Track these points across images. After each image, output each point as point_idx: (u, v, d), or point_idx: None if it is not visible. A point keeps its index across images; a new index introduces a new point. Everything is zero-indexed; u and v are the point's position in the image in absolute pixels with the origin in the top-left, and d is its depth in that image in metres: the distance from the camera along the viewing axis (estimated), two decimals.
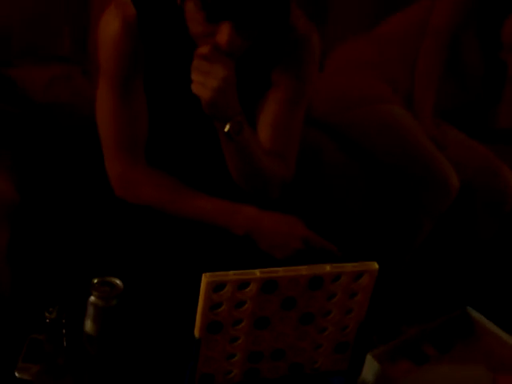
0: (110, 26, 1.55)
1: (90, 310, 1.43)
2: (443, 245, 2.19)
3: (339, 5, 2.55)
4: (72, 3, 2.14)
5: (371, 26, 2.42)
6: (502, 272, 2.25)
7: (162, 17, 1.55)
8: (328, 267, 1.33)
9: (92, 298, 1.42)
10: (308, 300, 1.34)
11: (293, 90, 1.68)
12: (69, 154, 1.77)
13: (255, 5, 1.40)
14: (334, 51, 2.39)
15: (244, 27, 1.43)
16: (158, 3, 1.55)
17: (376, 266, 1.36)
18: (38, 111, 1.87)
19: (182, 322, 1.41)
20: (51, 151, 1.76)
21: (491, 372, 1.52)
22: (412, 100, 2.26)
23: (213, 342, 1.33)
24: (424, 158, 2.09)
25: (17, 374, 1.38)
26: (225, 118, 1.52)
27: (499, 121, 2.42)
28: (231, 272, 1.28)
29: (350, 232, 2.02)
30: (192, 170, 1.71)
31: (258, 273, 1.29)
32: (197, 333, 1.31)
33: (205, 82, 1.47)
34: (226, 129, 1.52)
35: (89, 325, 1.44)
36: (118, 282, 1.44)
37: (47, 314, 1.21)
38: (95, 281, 1.43)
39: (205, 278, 1.26)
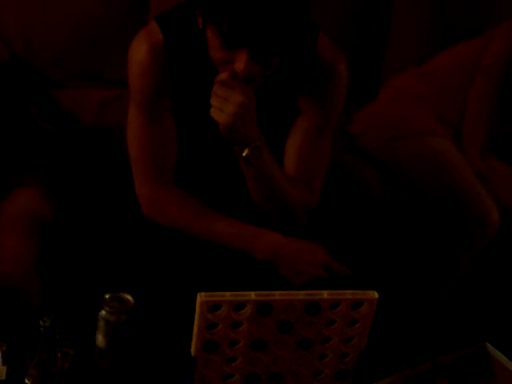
0: (138, 51, 1.61)
1: (101, 325, 1.48)
2: (479, 278, 2.16)
3: (398, 36, 2.56)
4: (124, 28, 2.23)
5: (425, 59, 2.43)
6: None
7: (189, 43, 1.60)
8: (325, 294, 1.34)
9: (103, 313, 1.47)
10: (305, 325, 1.36)
11: (318, 119, 1.70)
12: (104, 175, 1.83)
13: (271, 32, 1.43)
14: (389, 82, 2.40)
15: (260, 54, 1.46)
16: (185, 29, 1.60)
17: (376, 295, 1.36)
18: (81, 132, 1.95)
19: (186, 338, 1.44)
20: (87, 172, 1.83)
21: None
22: (460, 134, 2.25)
23: (209, 360, 1.36)
24: (465, 192, 2.07)
25: (26, 381, 1.43)
26: (243, 142, 1.55)
27: None
28: (227, 293, 1.31)
29: (384, 264, 2.01)
30: (220, 194, 1.76)
31: (253, 295, 1.31)
32: (192, 351, 1.34)
33: (222, 107, 1.51)
34: (244, 153, 1.56)
35: (99, 339, 1.49)
36: (129, 297, 1.49)
37: (41, 323, 1.26)
38: (107, 296, 1.48)
39: (199, 298, 1.29)
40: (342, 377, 1.45)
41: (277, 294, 1.32)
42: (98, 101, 2.20)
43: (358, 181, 2.16)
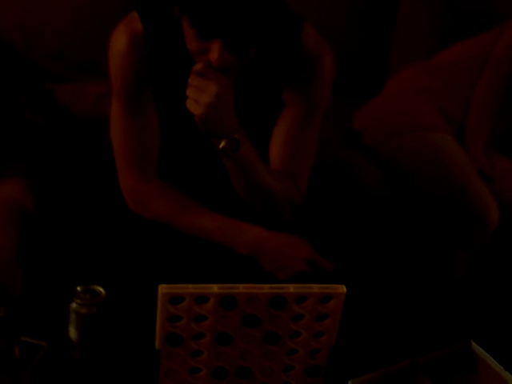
0: (117, 41, 1.60)
1: (72, 317, 1.47)
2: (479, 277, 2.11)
3: (406, 29, 2.52)
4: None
5: (432, 53, 2.38)
6: None
7: (168, 33, 1.58)
8: (291, 287, 1.31)
9: (74, 305, 1.46)
10: (272, 319, 1.33)
11: (302, 112, 1.67)
12: (93, 169, 1.82)
13: (244, 23, 1.41)
14: (394, 75, 2.36)
15: (234, 44, 1.44)
16: (164, 19, 1.58)
17: (344, 289, 1.33)
18: (75, 125, 1.94)
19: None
20: (74, 165, 1.82)
21: None
22: (463, 131, 2.20)
23: (174, 354, 1.34)
24: (464, 188, 2.02)
25: None
26: (220, 134, 1.53)
27: None
28: (190, 285, 1.29)
29: (381, 261, 1.98)
30: (204, 186, 1.73)
31: (215, 288, 1.29)
32: (156, 344, 1.32)
33: (198, 98, 1.49)
34: (221, 145, 1.53)
35: (71, 331, 1.48)
36: (101, 289, 1.48)
37: None
38: (79, 288, 1.47)
39: (160, 290, 1.27)
40: (313, 373, 1.41)
41: (240, 287, 1.30)
42: (95, 94, 2.19)
43: (358, 177, 2.12)
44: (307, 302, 1.33)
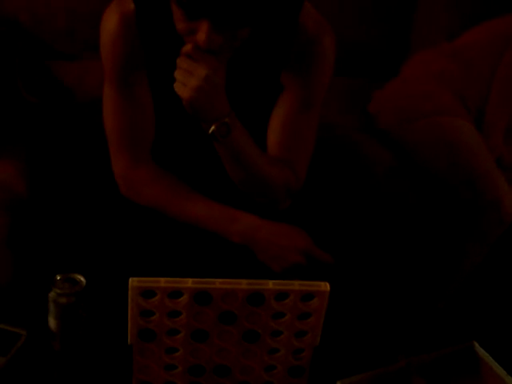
0: (108, 21, 1.54)
1: (51, 307, 1.41)
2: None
3: (428, 10, 2.41)
4: None
5: (454, 36, 2.27)
6: None
7: (160, 13, 1.51)
8: (270, 283, 1.24)
9: (52, 294, 1.40)
10: (250, 316, 1.26)
11: (301, 95, 1.59)
12: (87, 151, 1.77)
13: (232, 2, 1.33)
14: (411, 59, 2.25)
15: (222, 25, 1.36)
16: None
17: (327, 287, 1.25)
18: (76, 106, 1.88)
19: None
20: (69, 146, 1.77)
21: None
22: (481, 117, 2.09)
23: (147, 350, 1.28)
24: (479, 176, 1.92)
25: None
26: (209, 119, 1.46)
27: None
28: (162, 279, 1.22)
29: (387, 253, 1.89)
30: (200, 172, 1.67)
31: (190, 282, 1.22)
32: (128, 339, 1.26)
33: (185, 81, 1.43)
34: (210, 130, 1.47)
35: (51, 321, 1.43)
36: (81, 278, 1.42)
37: None
38: (58, 277, 1.42)
39: (131, 283, 1.21)
40: (296, 373, 1.34)
41: (216, 282, 1.23)
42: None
43: (369, 162, 2.03)
44: (288, 300, 1.25)
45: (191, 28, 1.40)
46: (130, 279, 1.21)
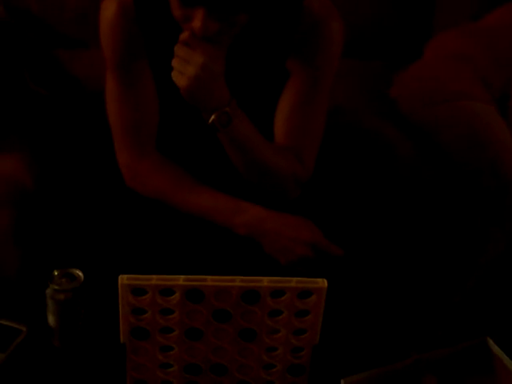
0: (107, 9, 1.50)
1: (49, 303, 1.39)
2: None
3: None
4: None
5: (479, 17, 2.18)
6: None
7: (158, 0, 1.46)
8: (265, 281, 1.20)
9: (49, 291, 1.38)
10: (245, 314, 1.22)
11: (307, 82, 1.53)
12: (94, 142, 1.73)
13: None
14: (433, 40, 2.17)
15: (216, 12, 1.31)
16: None
17: (325, 283, 1.20)
18: (85, 96, 1.85)
19: None
20: (76, 138, 1.73)
21: None
22: (506, 102, 2.00)
23: (141, 348, 1.25)
24: (501, 162, 1.84)
25: None
26: (208, 108, 1.42)
27: None
28: (154, 276, 1.19)
29: (403, 246, 1.83)
30: (205, 163, 1.63)
31: (181, 280, 1.18)
32: (121, 337, 1.23)
33: (182, 69, 1.38)
34: (210, 120, 1.42)
35: (49, 317, 1.41)
36: (79, 273, 1.40)
37: None
38: (56, 273, 1.39)
39: (121, 281, 1.17)
40: (296, 372, 1.30)
41: (208, 280, 1.19)
42: None
43: (387, 150, 1.95)
44: (284, 297, 1.21)
45: (187, 15, 1.35)
46: (120, 276, 1.18)
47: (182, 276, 1.19)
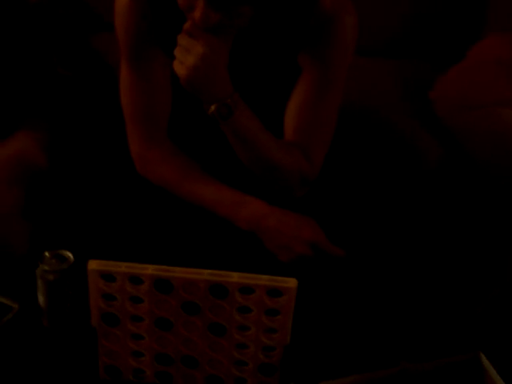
0: None
1: (39, 283, 1.41)
2: None
3: None
4: None
5: None
6: None
7: None
8: (235, 276, 1.18)
9: (39, 271, 1.40)
10: (214, 309, 1.21)
11: (319, 78, 1.51)
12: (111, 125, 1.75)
13: None
14: (481, 43, 2.10)
15: (216, 2, 1.30)
16: None
17: (294, 283, 1.18)
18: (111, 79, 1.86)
19: None
20: (95, 120, 1.75)
21: None
22: None
23: (112, 334, 1.25)
24: None
25: None
26: (209, 99, 1.41)
27: None
28: (123, 263, 1.19)
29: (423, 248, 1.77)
30: (215, 155, 1.62)
31: (150, 269, 1.18)
32: (92, 321, 1.24)
33: (183, 58, 1.38)
34: (210, 111, 1.42)
35: (39, 297, 1.42)
36: (69, 255, 1.41)
37: None
38: (47, 253, 1.41)
39: (89, 266, 1.18)
40: (268, 372, 1.28)
41: (177, 271, 1.18)
42: None
43: (413, 153, 1.91)
44: (253, 295, 1.19)
45: (190, 4, 1.35)
46: (89, 261, 1.19)
47: (151, 265, 1.18)
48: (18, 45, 1.67)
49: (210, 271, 1.18)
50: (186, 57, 1.37)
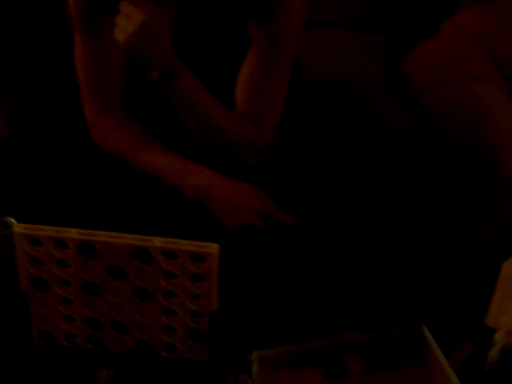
0: None
1: None
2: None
3: None
4: None
5: None
6: None
7: None
8: (158, 241, 1.18)
9: None
10: (139, 274, 1.21)
11: (268, 47, 1.50)
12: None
13: None
14: (454, 17, 2.06)
15: None
16: None
17: (216, 249, 1.18)
18: None
19: None
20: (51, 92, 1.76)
21: None
22: None
23: (42, 299, 1.26)
24: (499, 152, 1.73)
25: None
26: (150, 65, 1.41)
27: None
28: (49, 227, 1.19)
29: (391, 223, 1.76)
30: (166, 124, 1.61)
31: (74, 233, 1.19)
32: (21, 285, 1.25)
33: (123, 25, 1.38)
34: (152, 77, 1.41)
35: None
36: (13, 221, 1.42)
37: None
38: None
39: (16, 229, 1.19)
40: (198, 338, 1.28)
41: (102, 235, 1.19)
42: None
43: (382, 127, 1.88)
44: (178, 260, 1.19)
45: None
46: (16, 225, 1.19)
47: (75, 229, 1.18)
48: None
49: (133, 236, 1.18)
50: (126, 23, 1.37)
